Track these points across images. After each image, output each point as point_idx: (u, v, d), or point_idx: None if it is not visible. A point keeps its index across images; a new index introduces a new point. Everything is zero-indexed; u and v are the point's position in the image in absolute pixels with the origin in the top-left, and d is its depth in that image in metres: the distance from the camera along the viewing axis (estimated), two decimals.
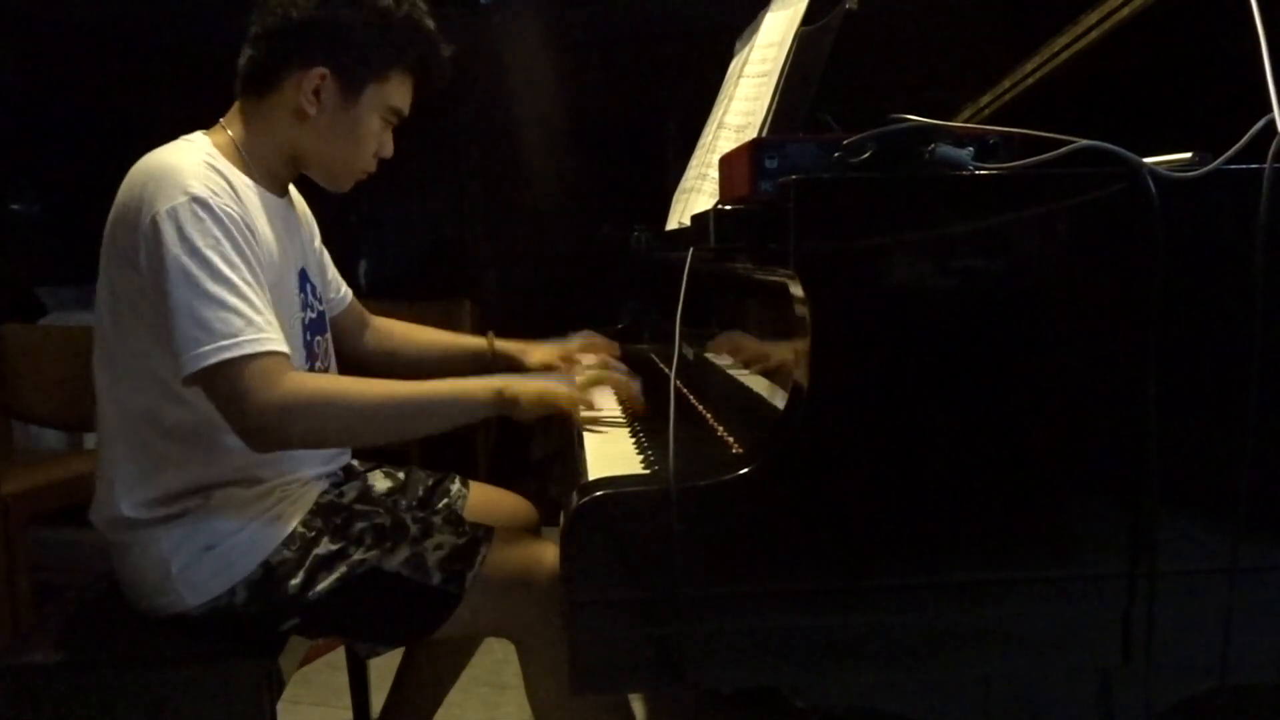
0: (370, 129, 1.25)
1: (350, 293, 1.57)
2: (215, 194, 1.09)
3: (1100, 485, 0.88)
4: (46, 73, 4.10)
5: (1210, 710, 0.96)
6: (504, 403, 1.17)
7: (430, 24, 1.25)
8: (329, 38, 1.19)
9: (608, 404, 1.41)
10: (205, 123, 1.25)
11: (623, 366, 1.43)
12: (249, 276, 1.09)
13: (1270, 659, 0.92)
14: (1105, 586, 0.89)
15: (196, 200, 1.07)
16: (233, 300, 1.06)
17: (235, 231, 1.09)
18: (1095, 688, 0.93)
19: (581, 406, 1.27)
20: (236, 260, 1.08)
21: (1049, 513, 0.89)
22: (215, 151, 1.18)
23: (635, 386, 1.34)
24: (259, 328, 1.07)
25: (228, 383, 1.05)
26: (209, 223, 1.07)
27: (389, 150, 1.30)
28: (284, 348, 1.09)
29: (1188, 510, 0.89)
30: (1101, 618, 0.89)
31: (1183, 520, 0.88)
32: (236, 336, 1.05)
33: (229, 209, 1.10)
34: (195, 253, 1.06)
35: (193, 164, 1.11)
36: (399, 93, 1.25)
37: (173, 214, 1.06)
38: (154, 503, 1.17)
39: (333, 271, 1.53)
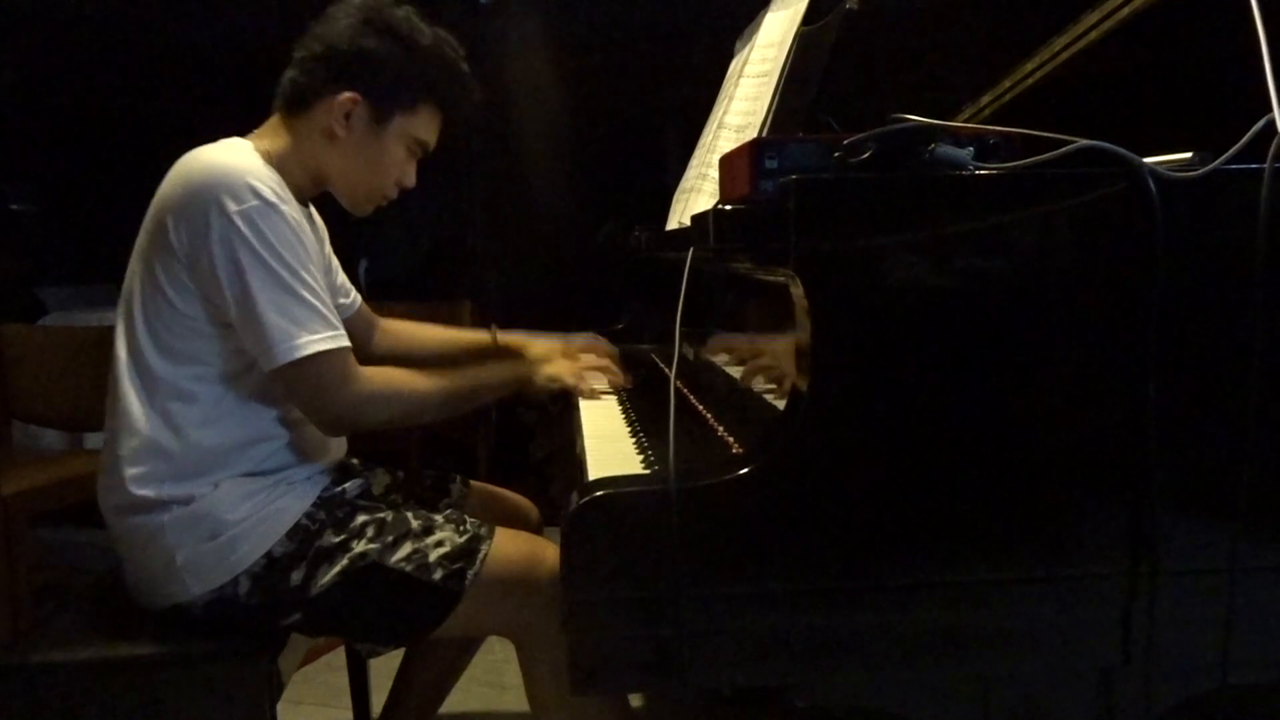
0: (394, 157, 1.32)
1: (359, 297, 1.62)
2: (282, 200, 1.16)
3: (1100, 485, 0.88)
4: (47, 72, 4.10)
5: (1210, 710, 0.96)
6: (520, 382, 1.44)
7: (465, 67, 1.33)
8: (365, 67, 1.26)
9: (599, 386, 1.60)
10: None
11: (619, 375, 1.63)
12: (319, 278, 1.19)
13: (1270, 659, 0.92)
14: (1105, 586, 0.89)
15: (269, 205, 1.14)
16: (313, 300, 1.16)
17: (302, 237, 1.18)
18: (1095, 688, 0.93)
19: (583, 388, 1.51)
20: (309, 264, 1.18)
21: (1049, 513, 0.89)
22: (259, 159, 1.21)
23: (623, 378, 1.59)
24: (336, 326, 1.18)
25: (317, 374, 1.16)
26: (284, 228, 1.15)
27: (411, 180, 1.37)
28: (350, 344, 1.21)
29: (1188, 510, 0.89)
30: (1101, 618, 0.89)
31: (1183, 520, 0.89)
32: (323, 332, 1.16)
33: (293, 216, 1.18)
34: (277, 255, 1.14)
35: (255, 165, 1.17)
36: (426, 126, 1.32)
37: (247, 215, 1.13)
38: (163, 478, 1.17)
39: (342, 277, 1.57)
